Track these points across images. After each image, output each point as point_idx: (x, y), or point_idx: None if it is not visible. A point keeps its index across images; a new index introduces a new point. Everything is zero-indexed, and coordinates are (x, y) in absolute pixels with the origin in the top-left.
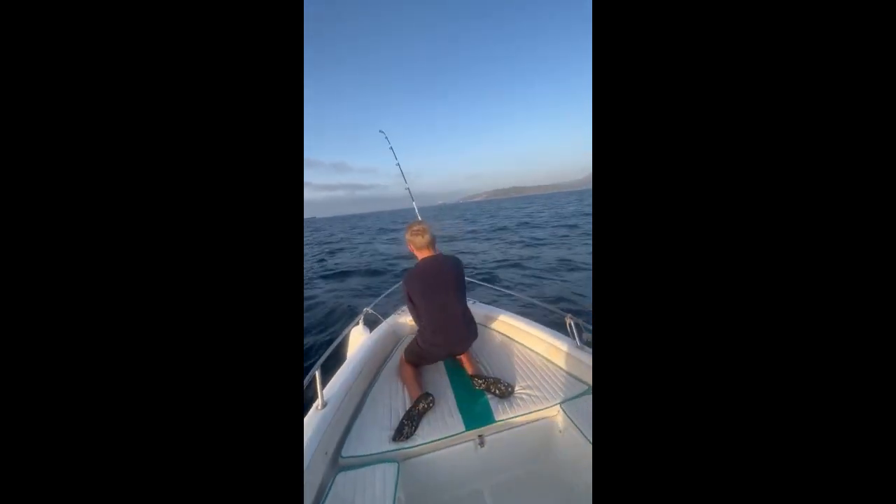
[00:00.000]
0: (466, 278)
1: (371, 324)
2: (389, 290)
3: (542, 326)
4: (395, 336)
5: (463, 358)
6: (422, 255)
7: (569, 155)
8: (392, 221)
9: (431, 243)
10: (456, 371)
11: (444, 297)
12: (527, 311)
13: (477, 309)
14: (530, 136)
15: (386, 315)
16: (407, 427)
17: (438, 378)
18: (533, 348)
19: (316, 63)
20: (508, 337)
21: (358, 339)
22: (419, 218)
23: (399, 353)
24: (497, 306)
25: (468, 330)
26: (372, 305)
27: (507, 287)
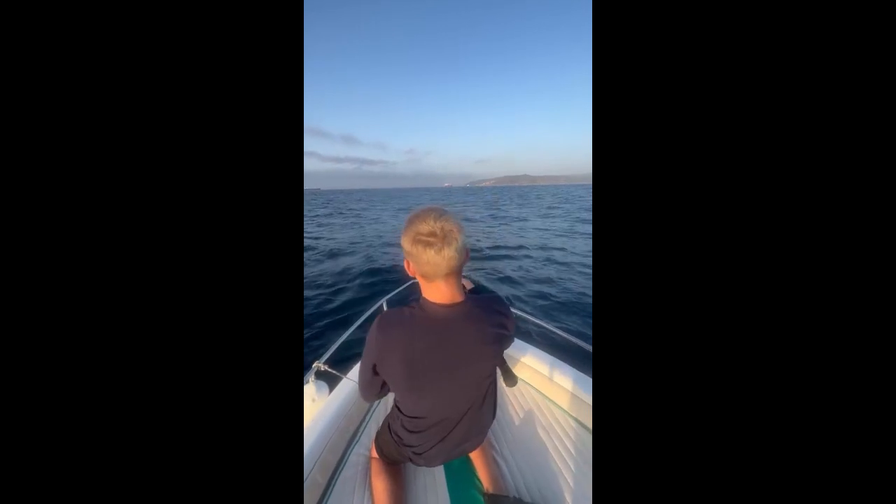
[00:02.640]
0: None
1: (328, 383)
2: (352, 330)
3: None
4: (361, 403)
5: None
6: (430, 288)
7: (581, 147)
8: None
9: (456, 270)
10: (459, 473)
11: (454, 387)
12: (575, 354)
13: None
14: (542, 125)
15: (348, 365)
16: None
17: (431, 489)
18: (586, 424)
19: (327, 26)
20: (546, 398)
21: (305, 412)
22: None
23: (371, 431)
24: (530, 342)
25: (484, 421)
26: (325, 358)
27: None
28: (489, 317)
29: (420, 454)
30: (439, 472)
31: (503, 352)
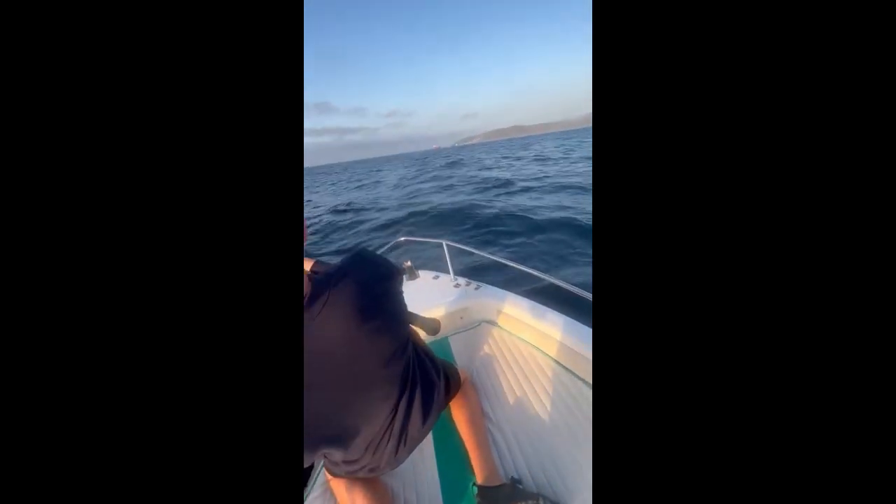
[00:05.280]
0: (466, 249)
1: None
2: None
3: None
4: None
5: (459, 420)
6: None
7: (576, 86)
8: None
9: None
10: (452, 462)
11: (369, 399)
12: (575, 302)
13: (485, 297)
14: (530, 67)
15: None
16: None
17: (423, 484)
18: (586, 379)
19: None
20: (547, 355)
21: None
22: None
23: None
24: (524, 294)
25: (434, 394)
26: None
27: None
28: (351, 287)
29: (376, 468)
30: (431, 462)
31: (401, 312)
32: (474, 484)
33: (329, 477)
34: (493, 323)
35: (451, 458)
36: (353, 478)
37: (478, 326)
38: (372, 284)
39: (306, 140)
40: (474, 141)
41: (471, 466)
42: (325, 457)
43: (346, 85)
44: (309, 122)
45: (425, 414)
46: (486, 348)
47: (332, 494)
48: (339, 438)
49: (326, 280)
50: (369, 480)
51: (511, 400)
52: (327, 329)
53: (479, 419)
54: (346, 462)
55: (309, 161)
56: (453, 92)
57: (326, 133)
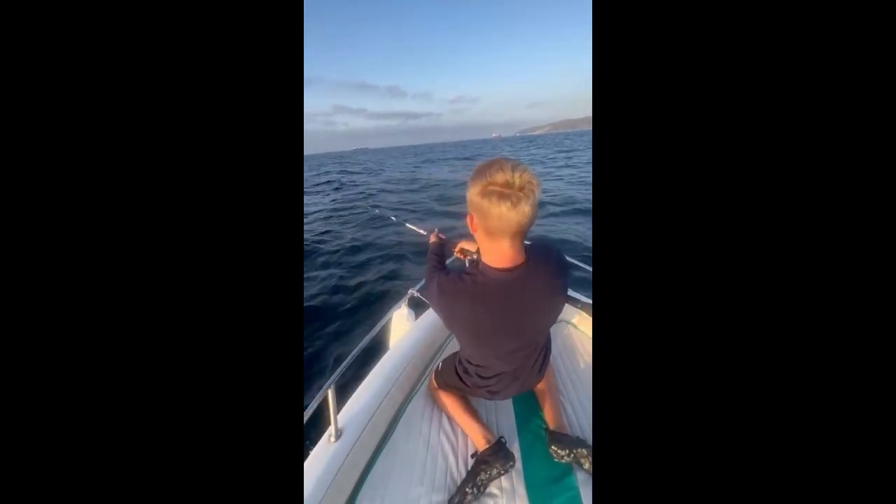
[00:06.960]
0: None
1: (418, 309)
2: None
3: None
4: (437, 336)
5: (541, 383)
6: (492, 250)
7: None
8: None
9: (526, 229)
10: (526, 403)
11: (521, 344)
12: None
13: (568, 301)
14: None
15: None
16: (470, 495)
17: (502, 411)
18: None
19: None
20: None
21: (400, 329)
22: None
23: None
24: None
25: (548, 358)
26: (419, 286)
27: None
28: (552, 268)
29: (496, 392)
30: (509, 401)
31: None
32: (545, 428)
33: (434, 386)
34: (570, 323)
35: (526, 405)
36: (450, 391)
37: (556, 324)
38: (559, 271)
39: (373, 123)
40: (540, 132)
41: (541, 415)
42: (475, 364)
43: (415, 70)
44: (379, 106)
45: (540, 370)
46: (560, 342)
47: (432, 399)
48: (499, 357)
49: (534, 252)
50: (462, 396)
51: (574, 387)
52: (530, 284)
53: (555, 386)
54: (480, 376)
55: (375, 143)
56: (522, 79)
57: (393, 116)
